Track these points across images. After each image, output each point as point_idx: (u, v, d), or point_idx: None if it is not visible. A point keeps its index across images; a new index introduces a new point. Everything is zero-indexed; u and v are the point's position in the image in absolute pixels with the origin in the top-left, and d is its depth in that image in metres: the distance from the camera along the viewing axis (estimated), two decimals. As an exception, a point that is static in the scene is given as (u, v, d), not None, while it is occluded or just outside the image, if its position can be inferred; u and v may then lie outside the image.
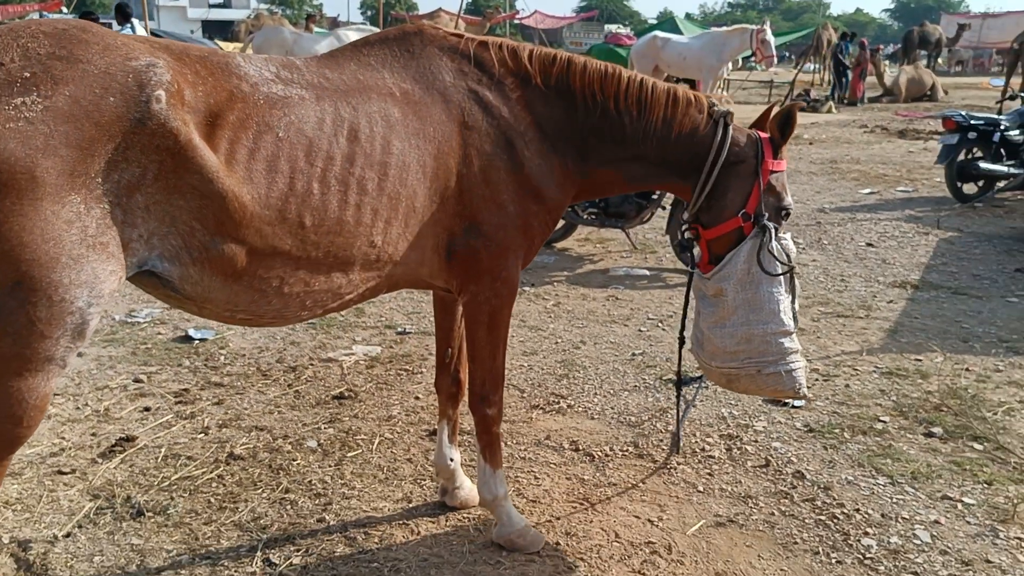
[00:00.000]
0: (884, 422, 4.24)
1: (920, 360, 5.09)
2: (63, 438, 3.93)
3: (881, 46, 37.33)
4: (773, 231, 3.00)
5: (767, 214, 3.00)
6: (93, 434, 3.99)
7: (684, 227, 3.24)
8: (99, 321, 2.18)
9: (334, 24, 41.85)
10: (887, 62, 30.00)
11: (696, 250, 3.24)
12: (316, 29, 23.35)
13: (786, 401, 4.43)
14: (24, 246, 1.93)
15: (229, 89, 2.28)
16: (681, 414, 3.83)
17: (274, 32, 15.92)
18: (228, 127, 2.23)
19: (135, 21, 13.98)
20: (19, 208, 1.91)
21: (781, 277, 3.04)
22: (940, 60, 35.35)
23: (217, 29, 57.29)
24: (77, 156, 1.98)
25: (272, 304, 2.48)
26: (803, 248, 7.94)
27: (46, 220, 1.95)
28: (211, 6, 65.76)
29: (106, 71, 2.05)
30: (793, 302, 3.12)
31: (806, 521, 3.38)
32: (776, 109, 3.11)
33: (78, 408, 4.25)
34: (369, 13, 65.35)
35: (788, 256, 3.06)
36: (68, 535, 3.16)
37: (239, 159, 2.24)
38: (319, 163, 2.40)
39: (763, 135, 3.05)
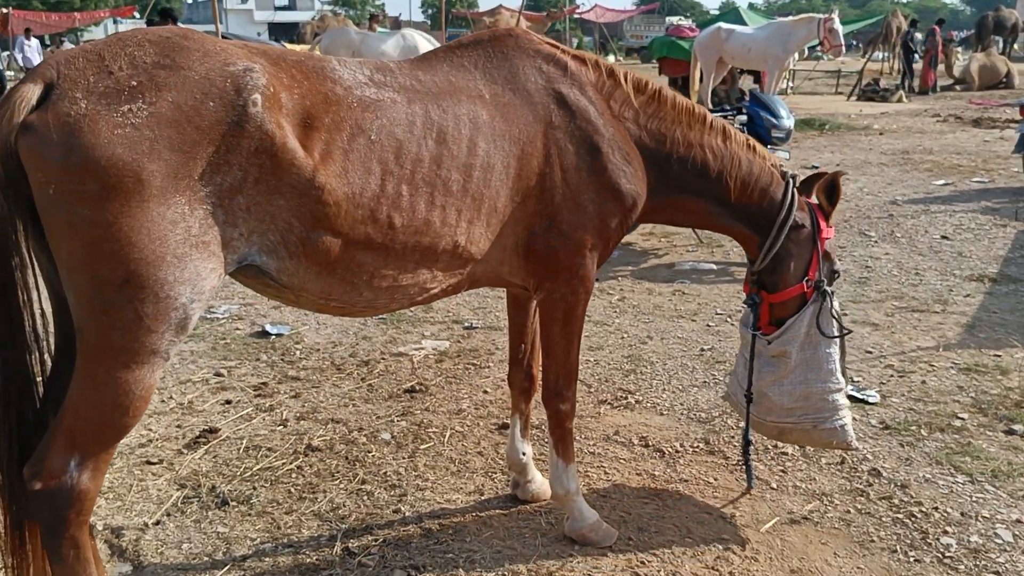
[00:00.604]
0: (962, 419, 4.15)
1: (999, 356, 4.95)
2: (150, 430, 4.09)
3: (953, 33, 36.10)
4: (832, 296, 3.23)
5: (824, 280, 3.21)
6: (178, 426, 4.16)
7: (751, 289, 3.38)
8: (199, 316, 2.28)
9: (396, 24, 42.34)
10: (959, 49, 28.95)
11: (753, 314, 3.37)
12: (379, 29, 23.65)
13: (861, 398, 4.37)
14: (132, 245, 2.04)
15: (324, 92, 2.36)
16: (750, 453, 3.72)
17: (341, 33, 16.21)
18: (323, 129, 2.32)
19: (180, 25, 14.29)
20: (127, 210, 2.02)
21: (836, 340, 3.25)
22: (1016, 46, 34.01)
23: (283, 31, 58.49)
24: (180, 159, 2.08)
25: (363, 295, 2.57)
26: (875, 241, 7.77)
27: (152, 221, 2.05)
28: (277, 9, 67.13)
29: (206, 76, 2.14)
30: (843, 359, 3.32)
31: (883, 519, 3.33)
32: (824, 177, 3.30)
33: (163, 401, 4.42)
34: (431, 12, 65.83)
35: (839, 318, 3.28)
36: (157, 523, 3.31)
37: (334, 160, 2.33)
38: (408, 165, 2.47)
39: (813, 203, 3.28)
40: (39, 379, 2.36)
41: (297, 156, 2.24)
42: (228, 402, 4.45)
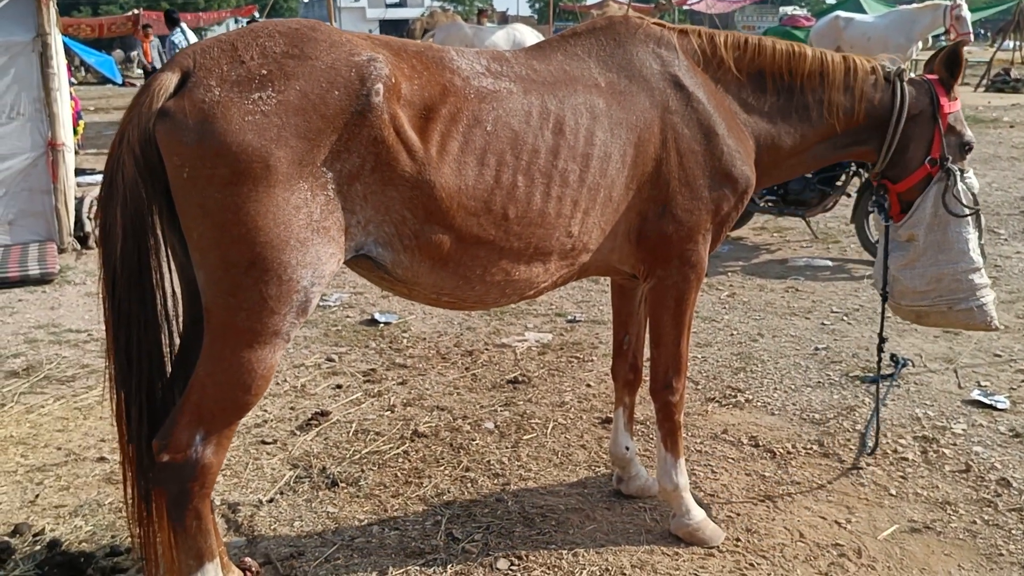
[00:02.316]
0: (1105, 431, 3.85)
1: None
2: (265, 411, 4.25)
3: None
4: (958, 174, 3.11)
5: (950, 156, 3.11)
6: (291, 408, 4.30)
7: (873, 187, 3.35)
8: (319, 299, 2.34)
9: (504, 19, 42.62)
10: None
11: (887, 203, 3.32)
12: (487, 24, 23.85)
13: (989, 403, 4.12)
14: (259, 229, 2.11)
15: (443, 83, 2.39)
16: (879, 397, 3.73)
17: (455, 28, 16.47)
18: (440, 120, 2.34)
19: (183, 26, 14.34)
20: (255, 194, 2.09)
21: (969, 218, 3.14)
22: None
23: (393, 28, 59.69)
24: (305, 146, 2.14)
25: (475, 290, 2.58)
26: (1006, 239, 7.32)
27: (278, 206, 2.12)
28: (388, 6, 68.59)
29: (332, 66, 2.20)
30: (980, 238, 3.21)
31: (1013, 532, 3.13)
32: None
33: (277, 384, 4.58)
34: (538, 5, 65.90)
35: (973, 195, 3.16)
36: (271, 500, 3.42)
37: (449, 151, 2.35)
38: (524, 156, 2.47)
39: (932, 78, 3.14)
40: (169, 357, 2.47)
41: (413, 147, 2.27)
42: (339, 387, 4.57)
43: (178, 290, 2.45)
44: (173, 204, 2.20)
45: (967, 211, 3.12)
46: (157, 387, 2.43)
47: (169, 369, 2.48)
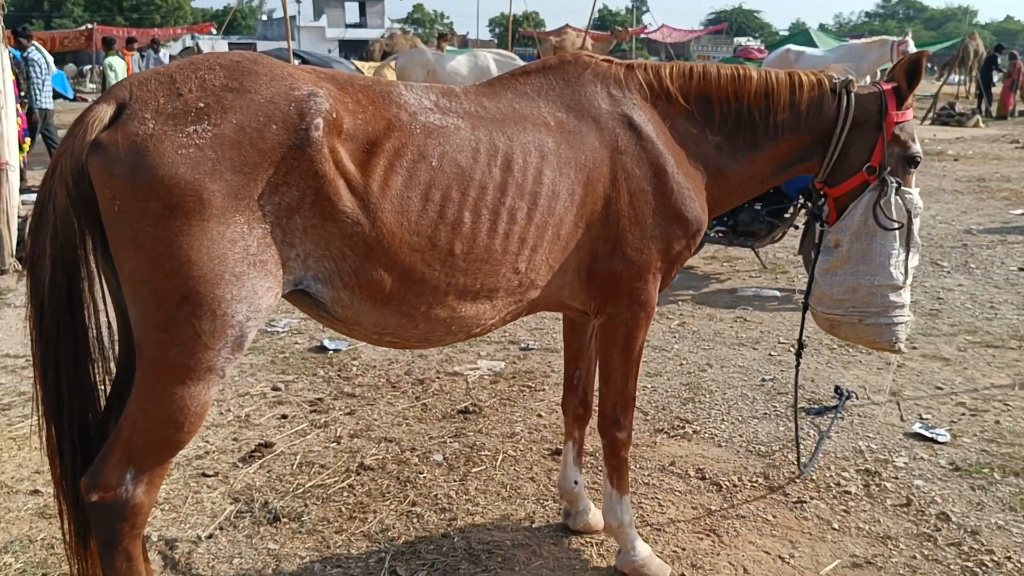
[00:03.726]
0: (1040, 464, 3.94)
1: (1082, 397, 4.71)
2: (207, 442, 4.15)
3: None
4: (894, 186, 3.01)
5: (890, 167, 3.03)
6: (234, 439, 4.21)
7: (814, 190, 3.29)
8: (256, 334, 2.30)
9: (464, 43, 42.85)
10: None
11: (826, 208, 3.27)
12: (447, 48, 23.95)
13: (931, 436, 4.19)
14: (192, 263, 2.07)
15: (388, 118, 2.37)
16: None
17: (417, 53, 16.49)
18: (384, 155, 2.32)
19: (36, 44, 13.11)
20: (188, 228, 2.05)
21: (896, 231, 3.04)
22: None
23: (352, 48, 59.67)
24: (241, 180, 2.10)
25: (419, 328, 2.55)
26: (948, 272, 7.50)
27: (212, 239, 2.08)
28: (348, 26, 68.58)
29: (271, 100, 2.17)
30: (908, 257, 3.11)
31: (951, 567, 3.17)
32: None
33: (221, 413, 4.49)
34: (498, 31, 66.44)
35: (909, 211, 3.05)
36: (210, 536, 3.33)
37: (393, 187, 2.33)
38: (471, 192, 2.46)
39: (887, 87, 3.06)
40: (102, 391, 2.40)
41: (354, 182, 2.25)
42: (284, 416, 4.49)
43: (114, 322, 2.39)
44: (106, 236, 2.15)
45: (894, 224, 3.02)
46: (89, 421, 2.36)
47: (104, 402, 2.41)
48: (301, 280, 2.32)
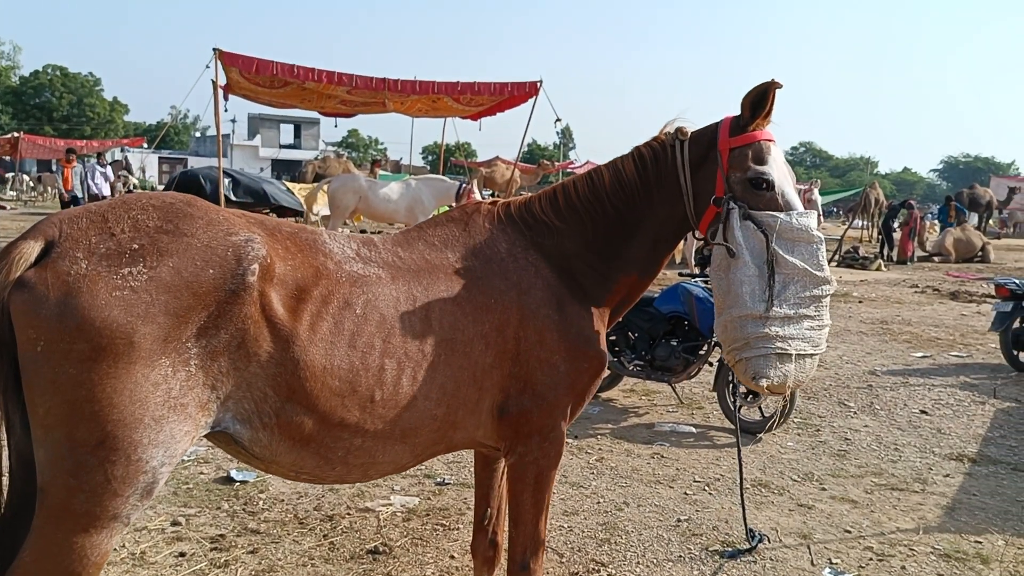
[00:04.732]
0: (944, 612, 4.00)
1: (980, 543, 4.84)
2: (96, 581, 3.89)
3: (929, 206, 37.65)
4: (735, 209, 2.81)
5: (734, 192, 2.84)
6: (126, 579, 3.96)
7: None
8: (166, 481, 2.21)
9: (397, 168, 43.78)
10: (936, 222, 30.16)
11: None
12: (380, 173, 24.44)
13: (838, 583, 4.22)
14: (113, 407, 2.02)
15: (315, 266, 2.43)
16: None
17: (350, 179, 16.72)
18: (312, 301, 2.37)
19: None
20: (114, 371, 2.01)
21: (748, 258, 2.80)
22: (991, 222, 35.41)
23: (284, 168, 60.33)
24: (173, 323, 2.09)
25: (336, 470, 2.54)
26: (855, 412, 7.76)
27: (136, 382, 2.04)
28: (282, 147, 69.49)
29: (208, 245, 2.19)
30: (775, 283, 2.81)
31: None
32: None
33: (116, 550, 4.22)
34: (431, 158, 68.23)
35: (766, 234, 2.80)
36: None
37: (319, 333, 2.36)
38: (393, 340, 2.50)
39: (727, 117, 2.95)
40: None
41: (281, 326, 2.28)
42: (182, 555, 4.25)
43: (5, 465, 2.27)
44: (19, 377, 2.07)
45: (742, 250, 2.80)
46: None
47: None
48: (221, 422, 2.28)
